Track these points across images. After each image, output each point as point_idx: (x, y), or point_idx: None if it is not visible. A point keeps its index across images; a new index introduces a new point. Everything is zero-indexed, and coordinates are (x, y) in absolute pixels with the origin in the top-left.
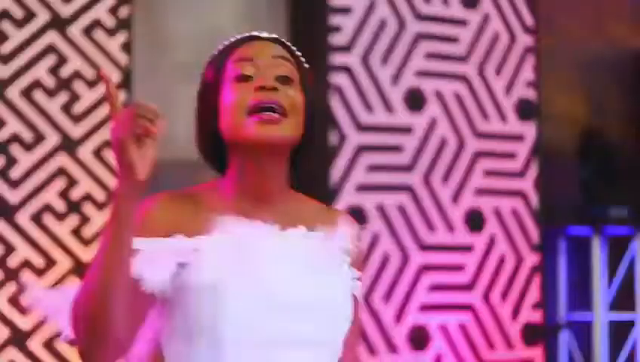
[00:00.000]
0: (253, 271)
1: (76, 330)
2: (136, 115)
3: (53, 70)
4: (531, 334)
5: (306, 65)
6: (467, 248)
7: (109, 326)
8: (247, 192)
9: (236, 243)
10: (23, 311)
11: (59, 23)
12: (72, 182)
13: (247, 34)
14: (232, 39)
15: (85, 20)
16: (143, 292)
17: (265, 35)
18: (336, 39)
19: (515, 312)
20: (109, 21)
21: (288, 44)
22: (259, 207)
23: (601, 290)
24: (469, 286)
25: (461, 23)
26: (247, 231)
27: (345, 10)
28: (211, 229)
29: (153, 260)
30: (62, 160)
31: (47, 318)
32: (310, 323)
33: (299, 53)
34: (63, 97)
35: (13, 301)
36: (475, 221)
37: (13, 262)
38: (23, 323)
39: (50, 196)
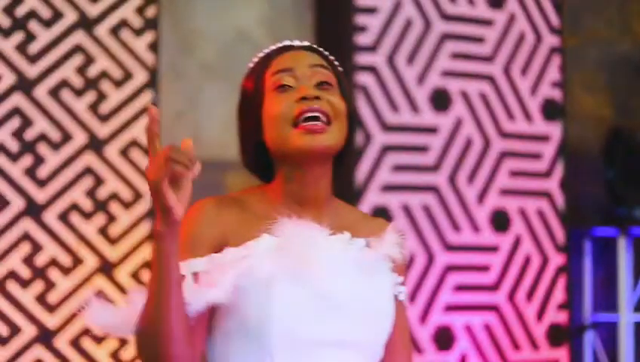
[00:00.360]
0: (302, 272)
1: (141, 357)
2: (172, 160)
3: (81, 70)
4: (556, 335)
5: (341, 69)
6: (492, 248)
7: (170, 353)
8: (294, 199)
9: (286, 245)
10: (49, 309)
11: (86, 23)
12: (98, 182)
13: (281, 44)
14: (267, 50)
15: (112, 20)
16: (203, 313)
17: (298, 43)
18: (362, 39)
19: (541, 313)
20: (136, 21)
21: (321, 50)
22: (305, 214)
23: (626, 291)
24: (494, 287)
25: (487, 23)
26: (298, 233)
27: (370, 10)
28: (259, 233)
29: (211, 283)
30: (89, 159)
31: (106, 333)
32: (356, 325)
33: (332, 58)
34: (90, 97)
35: (40, 299)
36: (500, 221)
37: (40, 260)
38: (50, 321)
39: (77, 195)
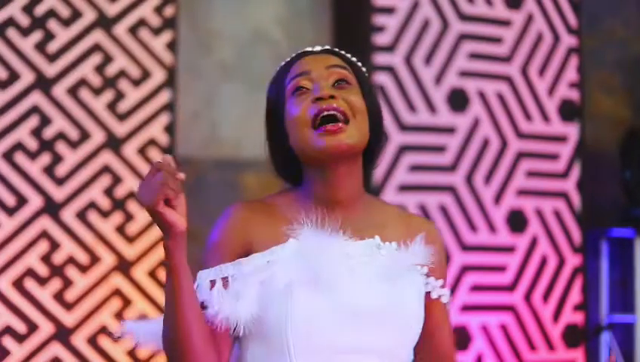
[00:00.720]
0: (321, 279)
1: None
2: (166, 185)
3: (99, 69)
4: (573, 336)
5: (364, 69)
6: (509, 249)
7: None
8: (322, 201)
9: (308, 252)
10: (67, 306)
11: (105, 22)
12: (116, 180)
13: (301, 50)
14: (288, 58)
15: (131, 19)
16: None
17: (318, 48)
18: (380, 39)
19: (557, 313)
20: (154, 20)
21: (342, 52)
22: (334, 215)
23: None
24: (510, 287)
25: (505, 23)
26: (317, 239)
27: (388, 10)
28: (286, 238)
29: (238, 297)
30: (107, 157)
31: (137, 345)
32: (379, 332)
33: (354, 59)
34: (108, 95)
35: (58, 297)
36: (517, 222)
37: (58, 258)
38: (67, 318)
39: (95, 193)
